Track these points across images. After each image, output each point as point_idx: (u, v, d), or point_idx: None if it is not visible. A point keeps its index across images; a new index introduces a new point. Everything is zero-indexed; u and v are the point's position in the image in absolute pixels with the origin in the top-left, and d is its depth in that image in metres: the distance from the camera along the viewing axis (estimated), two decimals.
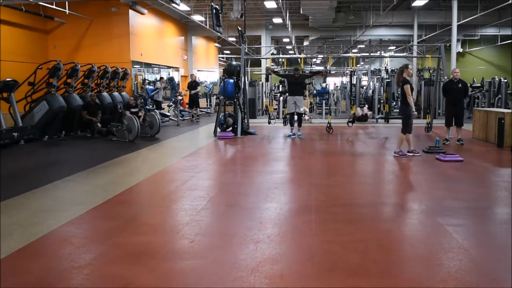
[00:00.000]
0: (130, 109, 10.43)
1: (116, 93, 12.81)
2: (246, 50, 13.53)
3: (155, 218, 4.29)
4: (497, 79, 15.43)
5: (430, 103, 11.86)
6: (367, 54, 29.46)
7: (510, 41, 23.54)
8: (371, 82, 16.99)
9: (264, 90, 18.49)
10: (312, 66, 33.24)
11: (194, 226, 3.92)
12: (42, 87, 10.38)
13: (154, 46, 17.98)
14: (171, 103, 15.93)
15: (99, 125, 10.52)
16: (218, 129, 10.73)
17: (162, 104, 15.50)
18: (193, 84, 15.42)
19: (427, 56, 13.05)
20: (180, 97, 14.88)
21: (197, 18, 18.19)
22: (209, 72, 27.15)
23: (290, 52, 33.19)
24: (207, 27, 18.55)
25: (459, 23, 16.78)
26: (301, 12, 17.41)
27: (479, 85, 17.17)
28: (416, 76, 19.36)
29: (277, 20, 20.68)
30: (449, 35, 17.97)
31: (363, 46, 29.70)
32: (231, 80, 10.92)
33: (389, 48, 28.83)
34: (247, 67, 12.88)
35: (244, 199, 5.00)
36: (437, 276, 2.90)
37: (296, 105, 10.19)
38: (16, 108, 9.64)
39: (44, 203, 4.78)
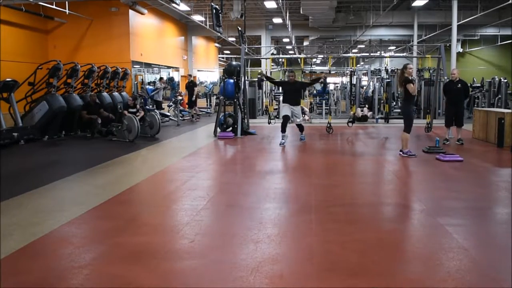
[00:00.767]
0: (128, 109, 10.43)
1: (116, 93, 12.82)
2: (246, 50, 13.54)
3: (155, 218, 4.29)
4: (497, 79, 15.43)
5: (430, 103, 11.86)
6: (367, 54, 29.49)
7: (510, 41, 23.56)
8: (371, 82, 16.98)
9: (264, 90, 18.50)
10: (312, 66, 33.24)
11: (194, 226, 3.92)
12: (42, 87, 10.38)
13: (154, 46, 17.99)
14: (171, 103, 15.94)
15: (99, 120, 10.49)
16: (218, 129, 10.73)
17: (162, 104, 15.51)
18: (190, 85, 15.42)
19: (427, 56, 13.06)
20: (180, 97, 14.88)
21: (197, 18, 18.20)
22: (209, 72, 27.15)
23: (290, 52, 33.20)
24: (207, 27, 18.56)
25: (459, 23, 16.79)
26: (301, 12, 17.42)
27: (479, 85, 17.18)
28: (416, 76, 19.35)
29: (277, 20, 20.70)
30: (449, 35, 17.99)
31: (363, 46, 29.73)
32: (231, 80, 10.92)
33: (389, 48, 28.85)
34: (247, 67, 12.87)
35: (244, 199, 5.00)
36: (437, 276, 2.90)
37: (292, 113, 9.05)
38: (16, 108, 9.64)
39: (44, 203, 4.78)
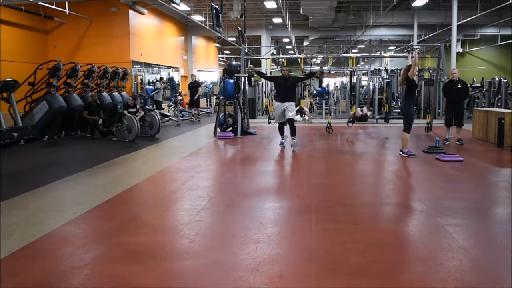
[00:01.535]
0: (128, 109, 10.44)
1: (116, 93, 12.82)
2: (246, 50, 13.54)
3: (155, 218, 4.29)
4: (497, 79, 15.43)
5: (430, 103, 11.85)
6: (367, 54, 29.47)
7: (510, 41, 23.55)
8: (371, 82, 16.98)
9: (264, 90, 18.50)
10: (312, 66, 33.23)
11: (194, 226, 3.92)
12: (42, 87, 10.38)
13: (154, 46, 17.98)
14: (171, 103, 15.93)
15: (100, 121, 10.50)
16: (218, 129, 10.73)
17: (162, 104, 15.51)
18: (194, 85, 15.42)
19: (427, 56, 13.05)
20: (180, 97, 14.88)
21: (197, 18, 18.19)
22: (209, 72, 27.15)
23: (290, 52, 33.19)
24: (207, 27, 18.55)
25: (459, 23, 16.79)
26: (301, 12, 17.41)
27: (479, 85, 17.17)
28: (416, 76, 19.34)
29: (277, 20, 20.69)
30: (449, 35, 17.98)
31: (363, 46, 29.72)
32: (231, 80, 10.92)
33: (389, 48, 28.84)
34: (247, 67, 12.83)
35: (244, 199, 5.00)
36: (437, 276, 2.90)
37: (285, 112, 8.36)
38: (16, 108, 9.64)
39: (44, 203, 4.78)
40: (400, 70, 18.13)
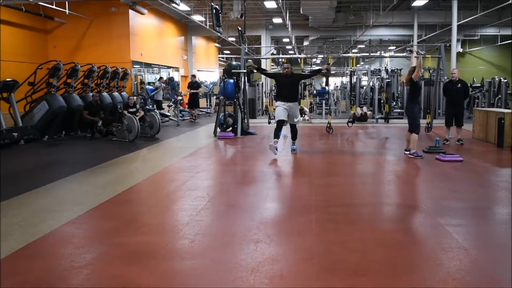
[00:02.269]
0: (128, 109, 10.44)
1: (116, 93, 12.82)
2: (246, 50, 13.53)
3: (155, 218, 4.29)
4: (497, 79, 15.44)
5: (430, 103, 11.86)
6: (367, 54, 29.46)
7: (510, 41, 23.56)
8: (371, 82, 16.98)
9: (264, 90, 18.50)
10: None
11: (194, 226, 3.92)
12: (42, 87, 10.38)
13: (154, 46, 17.98)
14: (171, 103, 15.94)
15: (100, 123, 10.50)
16: (218, 129, 10.73)
17: (162, 104, 15.51)
18: (194, 85, 15.44)
19: (427, 56, 13.05)
20: (180, 97, 14.88)
21: (197, 18, 18.20)
22: (209, 72, 27.15)
23: (290, 52, 33.18)
24: (207, 27, 18.55)
25: (459, 23, 16.79)
26: (301, 12, 17.42)
27: (479, 85, 17.18)
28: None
29: (277, 20, 20.69)
30: (449, 35, 17.98)
31: (363, 46, 29.71)
32: (231, 80, 10.92)
33: (389, 48, 28.83)
34: (246, 63, 12.78)
35: (244, 199, 5.00)
36: (437, 276, 2.90)
37: (288, 113, 7.62)
38: (16, 108, 9.64)
39: (44, 203, 4.78)
40: (400, 70, 18.21)
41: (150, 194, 5.43)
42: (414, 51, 7.63)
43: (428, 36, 22.57)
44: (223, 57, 33.07)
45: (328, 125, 11.04)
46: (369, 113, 14.34)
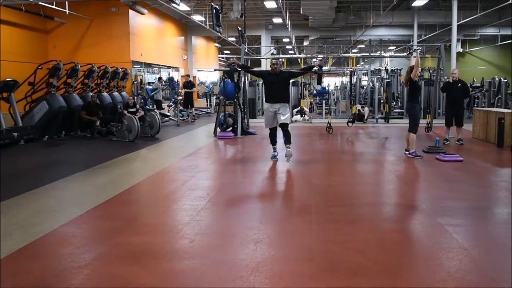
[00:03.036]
0: (128, 109, 10.44)
1: (116, 93, 12.82)
2: (246, 50, 13.53)
3: (155, 218, 4.29)
4: (497, 79, 15.44)
5: (430, 103, 11.86)
6: (367, 54, 29.46)
7: (510, 41, 23.56)
8: (371, 82, 16.98)
9: (264, 90, 18.48)
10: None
11: (194, 226, 3.92)
12: (42, 87, 10.38)
13: (154, 46, 17.99)
14: (171, 103, 15.94)
15: (98, 123, 10.50)
16: (218, 129, 10.73)
17: (162, 104, 15.50)
18: (188, 85, 15.43)
19: (427, 56, 13.05)
20: (180, 97, 14.88)
21: (197, 18, 18.20)
22: (209, 72, 27.15)
23: (290, 52, 33.18)
24: (207, 27, 18.56)
25: (459, 23, 16.80)
26: (301, 12, 17.42)
27: (479, 85, 17.18)
28: (416, 76, 19.33)
29: (277, 20, 20.70)
30: (449, 35, 17.99)
31: (363, 46, 29.72)
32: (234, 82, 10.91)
33: (389, 48, 28.84)
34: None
35: (244, 199, 5.00)
36: (437, 276, 2.90)
37: (276, 115, 6.93)
38: (16, 108, 9.64)
39: (44, 203, 4.78)
40: (400, 70, 18.21)
41: (150, 194, 5.43)
42: (417, 50, 7.59)
43: (428, 36, 22.58)
44: (223, 57, 33.07)
45: (328, 125, 11.04)
46: (365, 109, 14.17)
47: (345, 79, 26.23)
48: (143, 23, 16.61)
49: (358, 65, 31.07)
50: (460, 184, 5.76)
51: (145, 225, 4.04)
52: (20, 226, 3.95)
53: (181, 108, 14.40)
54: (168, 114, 14.83)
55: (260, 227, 3.89)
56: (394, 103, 16.37)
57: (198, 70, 22.93)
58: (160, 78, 16.32)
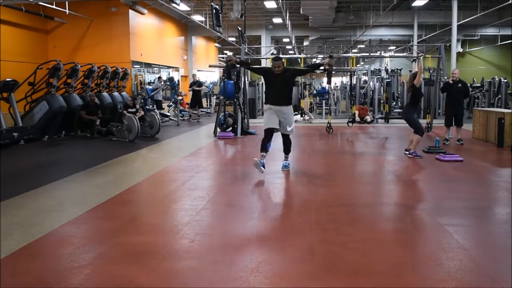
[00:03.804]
0: (128, 109, 10.44)
1: (116, 93, 12.82)
2: (246, 50, 13.53)
3: (155, 218, 4.29)
4: (497, 79, 15.44)
5: (430, 103, 11.86)
6: (367, 54, 29.45)
7: (510, 41, 23.55)
8: (371, 82, 16.98)
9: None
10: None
11: (194, 226, 3.92)
12: (42, 87, 10.38)
13: (154, 46, 17.98)
14: (171, 103, 15.94)
15: (98, 122, 10.50)
16: (218, 129, 10.73)
17: (162, 104, 15.50)
18: (197, 84, 15.51)
19: (427, 56, 13.05)
20: (180, 97, 14.88)
21: (197, 18, 18.19)
22: (209, 72, 27.14)
23: (290, 52, 33.17)
24: (207, 27, 18.55)
25: (459, 23, 16.79)
26: (301, 12, 17.42)
27: (479, 85, 17.18)
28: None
29: (277, 20, 20.69)
30: (449, 35, 17.98)
31: (363, 46, 29.71)
32: (231, 80, 10.92)
33: (389, 48, 28.84)
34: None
35: (244, 199, 5.00)
36: (437, 276, 2.90)
37: (280, 120, 6.06)
38: (16, 108, 9.64)
39: (44, 203, 4.78)
40: (401, 70, 18.21)
41: (150, 194, 5.42)
42: (420, 58, 7.61)
43: (428, 36, 22.57)
44: (223, 57, 33.05)
45: (328, 125, 11.04)
46: (369, 114, 14.20)
47: (345, 79, 26.25)
48: (143, 23, 16.61)
49: (358, 65, 31.07)
50: (460, 184, 5.76)
51: (145, 225, 4.04)
52: (20, 226, 3.95)
53: (181, 108, 14.40)
54: (168, 114, 14.82)
55: (260, 227, 3.89)
56: (394, 103, 16.37)
57: (198, 70, 22.92)
58: (159, 78, 16.32)
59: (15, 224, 4.00)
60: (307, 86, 21.17)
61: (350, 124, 12.23)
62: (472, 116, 11.36)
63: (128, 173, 6.57)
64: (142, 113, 10.64)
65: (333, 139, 10.20)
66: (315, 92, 20.81)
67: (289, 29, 20.87)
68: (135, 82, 16.11)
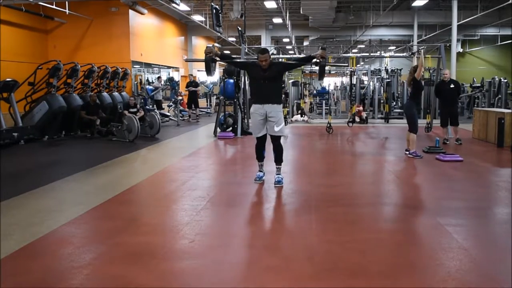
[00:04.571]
0: (128, 109, 10.44)
1: (116, 93, 12.82)
2: (246, 50, 13.53)
3: (155, 218, 4.29)
4: (497, 79, 15.44)
5: (430, 103, 11.86)
6: (367, 54, 29.45)
7: (510, 41, 23.55)
8: (371, 82, 16.98)
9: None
10: (312, 66, 33.10)
11: (194, 226, 3.92)
12: (42, 87, 10.38)
13: (154, 46, 17.99)
14: (171, 103, 15.94)
15: (98, 122, 10.50)
16: (218, 129, 10.73)
17: (162, 104, 15.51)
18: (193, 84, 15.49)
19: (427, 56, 13.04)
20: (180, 97, 14.88)
21: (197, 18, 18.20)
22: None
23: (290, 52, 33.17)
24: (207, 27, 18.55)
25: (459, 23, 16.79)
26: (301, 12, 17.42)
27: (479, 85, 17.18)
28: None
29: (277, 20, 20.69)
30: (449, 35, 17.98)
31: (363, 46, 29.71)
32: (231, 80, 10.92)
33: (389, 48, 28.84)
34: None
35: (244, 199, 4.99)
36: (437, 276, 2.90)
37: (267, 122, 5.34)
38: (16, 108, 9.64)
39: (44, 203, 4.78)
40: (401, 70, 18.21)
41: (150, 194, 5.42)
42: (421, 50, 7.60)
43: (428, 36, 22.57)
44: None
45: (328, 125, 11.04)
46: (359, 109, 14.05)
47: (345, 79, 26.24)
48: (143, 23, 16.61)
49: (358, 65, 31.07)
50: (460, 184, 5.76)
51: (145, 225, 4.04)
52: (20, 226, 3.95)
53: (182, 108, 14.41)
54: (168, 114, 14.83)
55: (260, 226, 3.89)
56: (394, 103, 16.36)
57: (198, 70, 22.92)
58: (159, 77, 16.33)
59: (15, 224, 4.00)
60: (307, 85, 21.15)
61: (350, 124, 12.22)
62: (472, 116, 11.36)
63: (128, 173, 6.57)
64: (142, 113, 10.64)
65: (333, 139, 10.20)
66: (315, 92, 20.80)
67: (289, 29, 20.88)
68: (135, 82, 16.11)
